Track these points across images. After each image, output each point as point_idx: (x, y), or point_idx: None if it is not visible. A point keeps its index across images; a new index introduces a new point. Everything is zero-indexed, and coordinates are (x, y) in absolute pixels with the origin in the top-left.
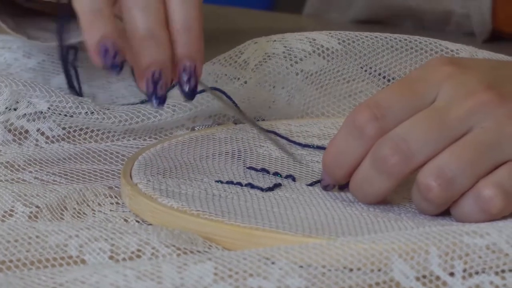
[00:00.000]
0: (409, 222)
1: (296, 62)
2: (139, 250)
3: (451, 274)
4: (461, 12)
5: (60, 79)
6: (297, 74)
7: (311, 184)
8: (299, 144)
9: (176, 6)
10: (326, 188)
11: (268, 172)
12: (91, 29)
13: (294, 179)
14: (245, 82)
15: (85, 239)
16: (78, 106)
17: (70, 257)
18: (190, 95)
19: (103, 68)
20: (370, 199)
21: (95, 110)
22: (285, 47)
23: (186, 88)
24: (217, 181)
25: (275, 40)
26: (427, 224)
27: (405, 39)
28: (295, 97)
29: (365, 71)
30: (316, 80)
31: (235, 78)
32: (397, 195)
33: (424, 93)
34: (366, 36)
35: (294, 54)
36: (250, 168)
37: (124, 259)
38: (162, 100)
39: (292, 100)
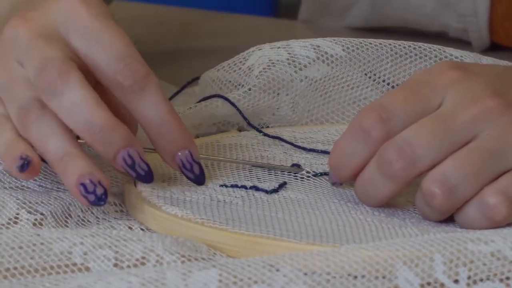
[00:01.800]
0: (413, 228)
1: (300, 69)
2: (143, 258)
3: (456, 281)
4: (458, 27)
5: None
6: (301, 80)
7: (316, 175)
8: (304, 148)
9: (146, 108)
10: (334, 184)
11: (273, 166)
12: (66, 175)
13: (299, 166)
14: (249, 89)
15: (89, 247)
16: None
17: (75, 264)
18: (199, 181)
19: (91, 205)
20: (374, 202)
21: None
22: (289, 53)
23: (193, 177)
24: (222, 186)
25: (279, 47)
26: (431, 230)
27: (409, 46)
28: (299, 104)
29: (369, 77)
30: (320, 86)
31: (239, 85)
32: (401, 197)
33: (430, 98)
34: (370, 43)
35: (298, 61)
36: (256, 165)
37: (128, 266)
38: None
39: (296, 107)
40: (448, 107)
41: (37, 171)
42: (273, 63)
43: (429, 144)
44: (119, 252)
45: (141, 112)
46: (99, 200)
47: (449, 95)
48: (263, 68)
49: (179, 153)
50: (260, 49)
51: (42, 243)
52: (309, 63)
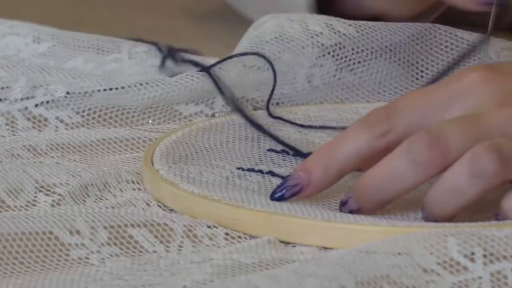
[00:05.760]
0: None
1: (312, 37)
2: None
3: (472, 260)
4: None
5: (72, 64)
6: (312, 47)
7: None
8: (307, 126)
9: None
10: None
11: (288, 153)
12: None
13: None
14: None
15: (106, 255)
16: (95, 83)
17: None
18: None
19: None
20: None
21: (112, 86)
22: (302, 28)
23: None
24: (239, 168)
25: (293, 20)
26: (446, 225)
27: (422, 25)
28: (314, 76)
29: (381, 55)
30: (334, 58)
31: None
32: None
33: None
34: (385, 26)
35: (311, 35)
36: (270, 150)
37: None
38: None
39: (312, 78)
40: (479, 109)
41: None
42: (285, 33)
43: (461, 135)
44: (136, 261)
45: None
46: None
47: (477, 97)
48: (275, 37)
49: None
50: (276, 18)
51: (61, 250)
52: (323, 39)
